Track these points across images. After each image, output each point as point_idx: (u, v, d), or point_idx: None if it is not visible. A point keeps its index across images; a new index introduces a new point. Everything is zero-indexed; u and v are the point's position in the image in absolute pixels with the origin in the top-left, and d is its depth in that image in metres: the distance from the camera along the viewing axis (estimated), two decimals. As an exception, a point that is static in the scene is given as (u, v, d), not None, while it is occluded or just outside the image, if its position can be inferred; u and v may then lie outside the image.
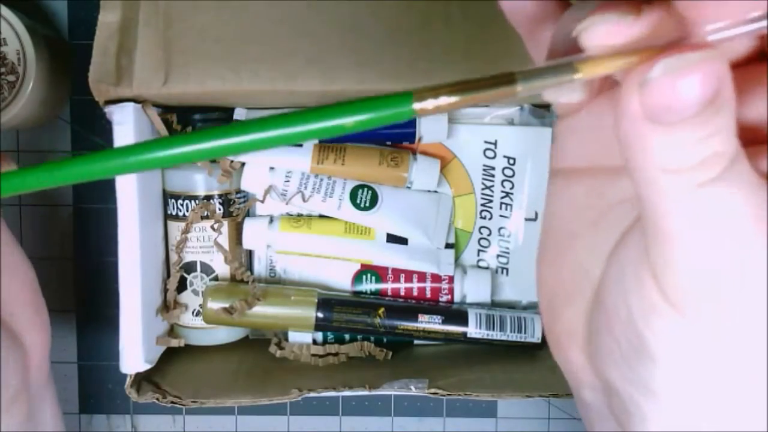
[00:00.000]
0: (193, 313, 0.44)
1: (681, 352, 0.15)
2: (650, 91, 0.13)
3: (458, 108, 0.15)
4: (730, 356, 0.15)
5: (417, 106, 0.15)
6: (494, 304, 0.46)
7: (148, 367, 0.39)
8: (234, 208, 0.44)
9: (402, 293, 0.45)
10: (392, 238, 0.45)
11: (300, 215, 0.45)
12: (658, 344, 0.16)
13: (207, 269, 0.44)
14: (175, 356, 0.43)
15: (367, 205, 0.44)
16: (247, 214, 0.45)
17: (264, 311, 0.43)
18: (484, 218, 0.46)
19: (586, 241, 0.19)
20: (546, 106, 0.46)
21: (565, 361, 0.20)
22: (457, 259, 0.46)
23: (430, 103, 0.15)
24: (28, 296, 0.28)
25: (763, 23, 0.14)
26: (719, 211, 0.14)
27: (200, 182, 0.43)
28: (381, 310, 0.43)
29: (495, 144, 0.45)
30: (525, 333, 0.43)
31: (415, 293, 0.45)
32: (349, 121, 0.15)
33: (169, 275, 0.44)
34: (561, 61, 0.15)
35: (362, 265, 0.45)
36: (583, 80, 0.15)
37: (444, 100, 0.15)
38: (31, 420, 0.29)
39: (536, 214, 0.46)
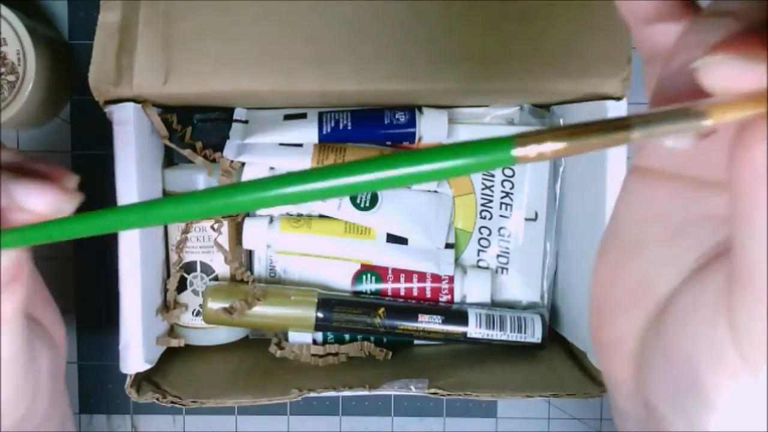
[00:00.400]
0: (193, 313, 0.44)
1: (744, 411, 0.14)
2: None
3: (565, 155, 0.13)
4: None
5: (518, 152, 0.13)
6: (494, 304, 0.46)
7: (148, 367, 0.39)
8: (234, 208, 0.44)
9: (402, 293, 0.45)
10: (392, 238, 0.45)
11: (300, 215, 0.45)
12: (720, 397, 0.14)
13: (207, 269, 0.44)
14: (175, 356, 0.43)
15: (367, 205, 0.44)
16: (247, 214, 0.45)
17: (264, 311, 0.43)
18: (484, 218, 0.46)
19: (657, 252, 0.17)
20: (546, 106, 0.46)
21: (608, 368, 0.19)
22: (457, 259, 0.46)
23: (533, 149, 0.13)
24: (46, 295, 0.29)
25: None
26: None
27: (200, 182, 0.43)
28: (381, 310, 0.43)
29: (495, 144, 0.45)
30: (525, 333, 0.43)
31: (415, 293, 0.45)
32: (446, 165, 0.14)
33: (169, 275, 0.44)
34: (684, 106, 0.13)
35: (362, 265, 0.45)
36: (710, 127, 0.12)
37: (549, 147, 0.13)
38: (63, 423, 0.29)
39: (536, 214, 0.46)
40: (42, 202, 0.22)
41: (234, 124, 0.44)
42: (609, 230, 0.19)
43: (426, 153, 0.14)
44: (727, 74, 0.12)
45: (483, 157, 0.14)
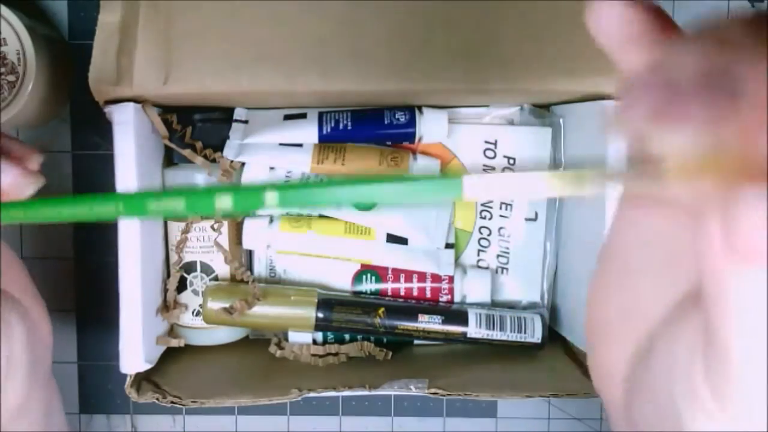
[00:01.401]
0: (193, 313, 0.44)
1: None
2: (739, 228, 0.11)
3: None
4: None
5: (467, 193, 0.14)
6: (494, 304, 0.46)
7: (148, 367, 0.39)
8: (234, 208, 0.44)
9: (402, 293, 0.45)
10: (392, 238, 0.45)
11: (300, 215, 0.45)
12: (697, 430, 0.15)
13: (207, 269, 0.44)
14: (175, 356, 0.43)
15: (367, 205, 0.44)
16: (247, 214, 0.45)
17: (264, 311, 0.43)
18: (484, 218, 0.46)
19: (652, 282, 0.17)
20: (546, 106, 0.46)
21: (602, 390, 0.19)
22: (457, 259, 0.46)
23: (480, 192, 0.14)
24: (25, 282, 0.29)
25: None
26: None
27: (200, 182, 0.43)
28: (381, 310, 0.43)
29: (495, 144, 0.45)
30: (525, 333, 0.43)
31: (415, 293, 0.45)
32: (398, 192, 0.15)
33: (169, 275, 0.44)
34: (640, 170, 0.13)
35: (362, 265, 0.45)
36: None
37: (497, 192, 0.14)
38: (47, 411, 0.29)
39: (536, 214, 0.46)
40: (3, 181, 0.22)
41: (234, 124, 0.44)
42: (604, 252, 0.19)
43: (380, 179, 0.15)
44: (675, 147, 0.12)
45: (437, 194, 0.15)
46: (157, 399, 0.39)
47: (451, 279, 0.45)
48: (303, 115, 0.44)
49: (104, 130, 0.48)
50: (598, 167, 0.13)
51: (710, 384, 0.14)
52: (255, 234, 0.44)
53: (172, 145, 0.42)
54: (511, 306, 0.46)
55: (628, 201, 0.18)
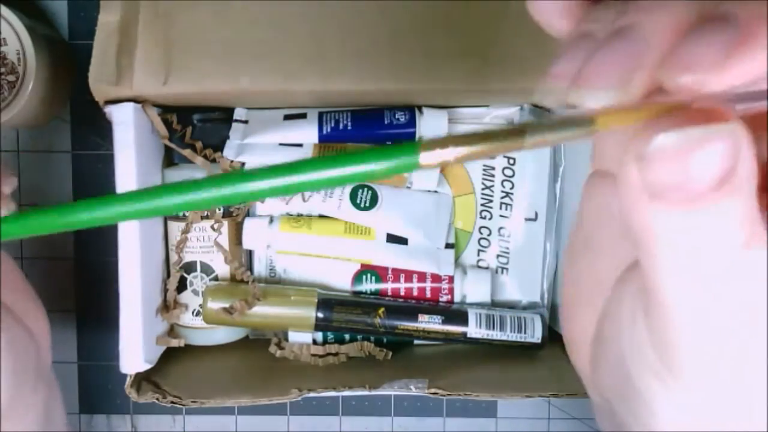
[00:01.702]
0: (193, 313, 0.44)
1: (678, 412, 0.15)
2: (651, 166, 0.12)
3: (466, 161, 0.14)
4: (730, 425, 0.14)
5: (423, 158, 0.14)
6: (494, 304, 0.46)
7: (148, 367, 0.39)
8: (234, 208, 0.44)
9: (402, 293, 0.45)
10: (392, 238, 0.45)
11: (300, 215, 0.45)
12: (657, 402, 0.15)
13: (207, 269, 0.44)
14: (175, 356, 0.43)
15: (367, 205, 0.44)
16: (247, 214, 0.45)
17: (264, 311, 0.43)
18: (484, 218, 0.46)
19: (610, 251, 0.18)
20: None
21: (576, 361, 0.20)
22: (457, 259, 0.46)
23: (436, 155, 0.14)
24: (20, 284, 0.29)
25: None
26: (729, 298, 0.13)
27: (200, 182, 0.43)
28: (381, 310, 0.43)
29: (495, 144, 0.45)
30: (525, 333, 0.43)
31: (415, 293, 0.45)
32: (354, 170, 0.15)
33: (169, 275, 0.44)
34: (572, 114, 0.14)
35: (362, 265, 0.45)
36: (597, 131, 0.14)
37: (451, 152, 0.14)
38: (46, 411, 0.29)
39: (536, 214, 0.46)
40: None
41: (234, 124, 0.44)
42: (574, 231, 0.20)
43: (335, 158, 0.15)
44: (590, 104, 0.13)
45: (389, 162, 0.14)
46: (157, 399, 0.39)
47: (451, 279, 0.45)
48: (303, 115, 0.44)
49: (104, 130, 0.48)
50: (535, 121, 0.14)
51: (654, 340, 0.14)
52: (255, 234, 0.44)
53: (172, 145, 0.42)
54: (511, 306, 0.46)
55: (592, 177, 0.19)
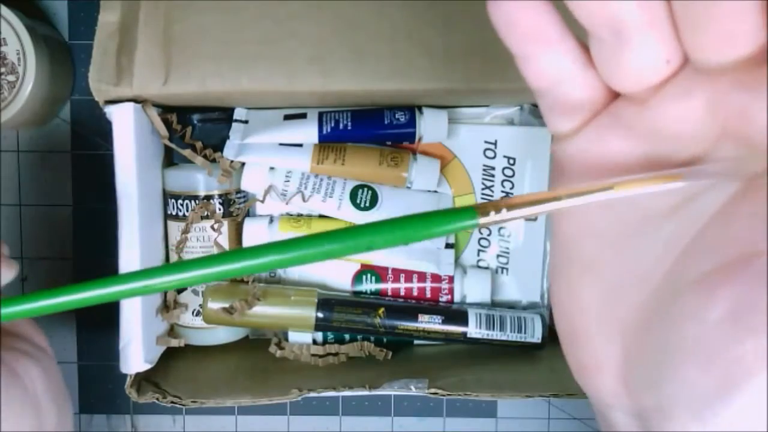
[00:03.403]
0: (193, 313, 0.44)
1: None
2: None
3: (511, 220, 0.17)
4: None
5: (481, 220, 0.17)
6: (494, 304, 0.46)
7: (148, 367, 0.39)
8: (234, 208, 0.44)
9: (402, 293, 0.45)
10: (392, 238, 0.44)
11: (300, 215, 0.45)
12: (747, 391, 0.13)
13: (207, 269, 0.44)
14: (175, 356, 0.43)
15: (367, 205, 0.44)
16: (247, 214, 0.45)
17: (264, 311, 0.43)
18: (484, 218, 0.46)
19: (611, 265, 0.17)
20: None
21: (593, 387, 0.19)
22: (457, 259, 0.46)
23: (492, 218, 0.17)
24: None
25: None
26: None
27: (200, 182, 0.43)
28: (381, 310, 0.43)
29: (495, 144, 0.45)
30: (525, 333, 0.43)
31: (415, 293, 0.45)
32: (416, 234, 0.17)
33: (169, 275, 0.44)
34: (596, 183, 0.17)
35: (362, 265, 0.45)
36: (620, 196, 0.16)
37: (502, 215, 0.17)
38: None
39: (536, 214, 0.46)
40: None
41: (234, 124, 0.44)
42: (554, 255, 0.19)
43: (400, 222, 0.17)
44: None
45: (451, 226, 0.17)
46: (157, 399, 0.39)
47: (451, 279, 0.45)
48: (303, 115, 0.44)
49: (104, 130, 0.48)
50: (570, 187, 0.17)
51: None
52: (255, 234, 0.44)
53: (172, 145, 0.42)
54: (511, 306, 0.46)
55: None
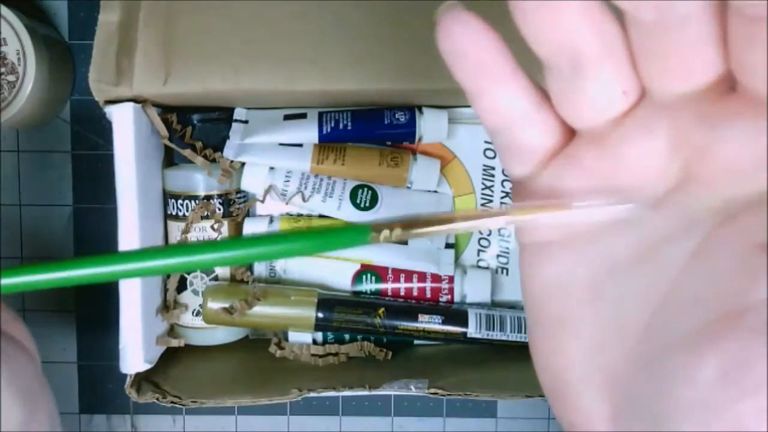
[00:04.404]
0: (193, 313, 0.44)
1: None
2: None
3: (404, 239, 0.18)
4: None
5: (373, 237, 0.17)
6: (494, 304, 0.46)
7: (148, 367, 0.39)
8: (234, 208, 0.44)
9: (402, 293, 0.45)
10: (392, 238, 0.44)
11: (300, 215, 0.45)
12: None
13: (207, 269, 0.44)
14: (175, 356, 0.43)
15: (367, 205, 0.44)
16: (247, 214, 0.45)
17: (264, 311, 0.43)
18: (484, 218, 0.46)
19: (587, 320, 0.17)
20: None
21: None
22: (457, 259, 0.46)
23: (384, 236, 0.17)
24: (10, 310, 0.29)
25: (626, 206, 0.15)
26: None
27: (200, 182, 0.43)
28: (381, 310, 0.43)
29: (495, 144, 0.45)
30: (525, 333, 0.43)
31: (415, 293, 0.45)
32: (307, 247, 0.17)
33: (169, 275, 0.44)
34: (489, 209, 0.17)
35: (362, 265, 0.45)
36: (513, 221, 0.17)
37: (394, 233, 0.18)
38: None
39: (536, 214, 0.46)
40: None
41: (234, 124, 0.44)
42: (530, 313, 0.18)
43: (293, 235, 0.17)
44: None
45: (344, 241, 0.17)
46: (157, 399, 0.39)
47: (451, 279, 0.45)
48: (303, 115, 0.44)
49: (104, 130, 0.48)
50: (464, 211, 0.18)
51: None
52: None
53: (172, 145, 0.42)
54: (511, 306, 0.46)
55: (526, 254, 0.18)
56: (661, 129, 0.15)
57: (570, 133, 0.17)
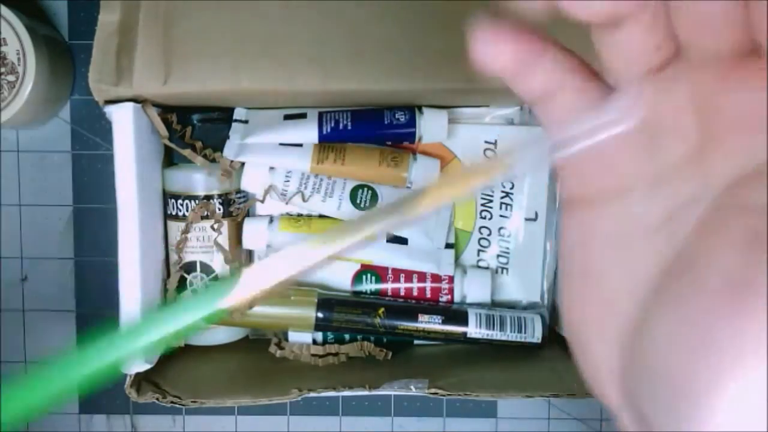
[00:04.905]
0: (193, 313, 0.44)
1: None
2: None
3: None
4: None
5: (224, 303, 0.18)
6: (494, 304, 0.46)
7: (148, 367, 0.39)
8: (234, 208, 0.44)
9: (402, 293, 0.45)
10: (392, 238, 0.45)
11: (300, 215, 0.45)
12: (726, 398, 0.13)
13: (207, 269, 0.44)
14: (175, 356, 0.43)
15: (367, 205, 0.44)
16: (247, 214, 0.45)
17: (264, 311, 0.43)
18: (484, 218, 0.46)
19: (608, 274, 0.17)
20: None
21: (600, 394, 0.19)
22: (457, 259, 0.46)
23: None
24: None
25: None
26: None
27: (200, 182, 0.43)
28: (381, 310, 0.43)
29: (495, 144, 0.45)
30: (525, 333, 0.43)
31: (415, 293, 0.45)
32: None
33: (169, 275, 0.44)
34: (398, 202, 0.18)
35: (362, 265, 0.45)
36: None
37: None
38: None
39: (536, 214, 0.46)
40: None
41: (234, 124, 0.44)
42: (565, 265, 0.19)
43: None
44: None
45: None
46: (157, 399, 0.39)
47: (451, 279, 0.45)
48: (303, 115, 0.44)
49: (104, 130, 0.48)
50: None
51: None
52: (255, 234, 0.44)
53: (172, 145, 0.42)
54: (511, 306, 0.46)
55: (567, 208, 0.19)
56: (685, 87, 0.15)
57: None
